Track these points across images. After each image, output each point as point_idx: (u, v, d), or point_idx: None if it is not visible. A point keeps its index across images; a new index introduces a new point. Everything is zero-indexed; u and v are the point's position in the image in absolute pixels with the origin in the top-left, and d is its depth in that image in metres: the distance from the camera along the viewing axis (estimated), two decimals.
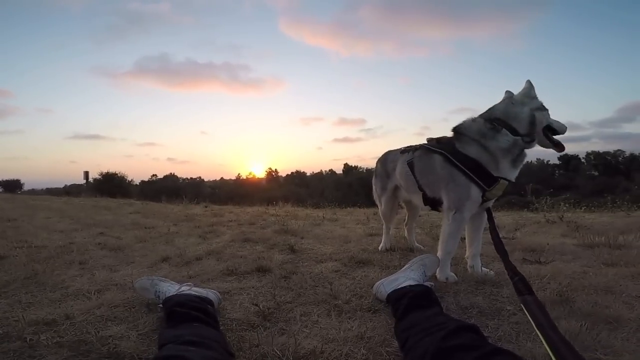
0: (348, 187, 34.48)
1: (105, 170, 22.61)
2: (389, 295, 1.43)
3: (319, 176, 56.28)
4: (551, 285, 1.60)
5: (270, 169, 57.93)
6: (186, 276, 1.92)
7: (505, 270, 1.28)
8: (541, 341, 0.85)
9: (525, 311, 0.99)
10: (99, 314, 1.42)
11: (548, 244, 2.41)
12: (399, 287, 1.42)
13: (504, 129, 1.63)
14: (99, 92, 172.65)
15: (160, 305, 1.39)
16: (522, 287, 1.10)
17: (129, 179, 24.75)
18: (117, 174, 23.04)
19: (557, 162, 53.67)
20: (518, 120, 1.63)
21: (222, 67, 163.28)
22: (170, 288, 1.49)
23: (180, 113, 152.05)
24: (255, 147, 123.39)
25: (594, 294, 1.48)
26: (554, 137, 1.66)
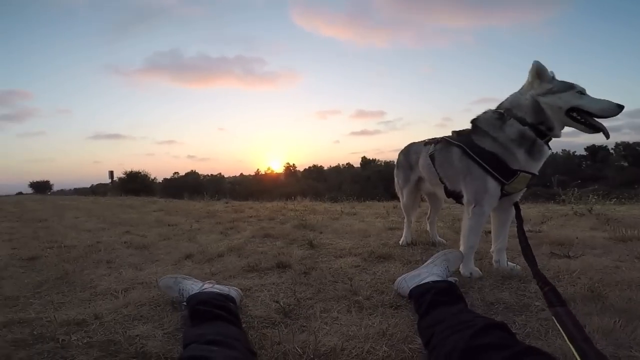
0: (366, 180, 34.25)
1: (129, 169, 23.31)
2: (411, 290, 1.41)
3: (336, 170, 56.09)
4: (581, 280, 1.54)
5: (288, 163, 58.09)
6: (208, 273, 1.96)
7: (535, 279, 1.22)
8: (573, 354, 0.81)
9: (557, 323, 0.95)
10: (126, 313, 1.46)
11: (577, 238, 2.32)
12: (422, 282, 1.40)
13: (512, 119, 1.57)
14: (113, 90, 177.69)
15: (184, 303, 1.42)
16: (554, 297, 1.04)
17: (152, 177, 25.43)
18: (140, 173, 23.69)
19: (584, 153, 51.58)
20: (523, 108, 1.56)
21: (235, 61, 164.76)
22: (194, 286, 1.51)
23: (197, 110, 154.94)
24: (273, 142, 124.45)
25: (627, 290, 1.41)
26: (596, 119, 1.46)
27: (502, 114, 1.61)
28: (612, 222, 2.90)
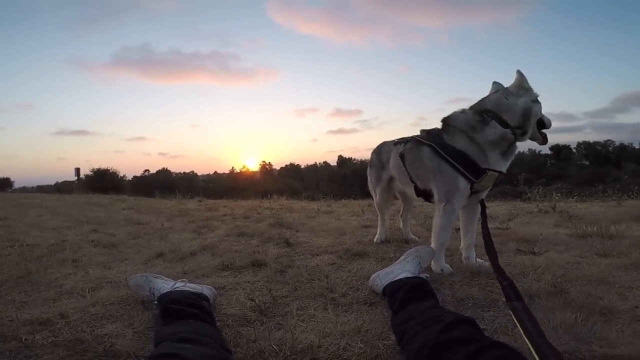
0: (343, 179, 34.53)
1: (96, 167, 22.38)
2: (385, 287, 1.43)
3: (313, 168, 56.26)
4: (545, 276, 1.61)
5: (264, 162, 57.71)
6: (181, 272, 1.91)
7: (494, 273, 1.27)
8: (529, 349, 0.85)
9: (514, 318, 0.99)
10: (94, 312, 1.41)
11: (541, 234, 2.43)
12: (395, 279, 1.42)
13: (493, 121, 1.62)
14: (79, 86, 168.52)
15: (155, 303, 1.38)
16: (511, 292, 1.09)
17: (121, 174, 24.54)
18: (109, 170, 22.82)
19: (549, 152, 54.23)
20: (510, 112, 1.62)
21: (210, 57, 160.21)
22: (165, 285, 1.47)
23: (168, 106, 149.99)
24: (249, 140, 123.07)
25: (587, 285, 1.49)
26: (543, 130, 1.69)
27: (483, 115, 1.65)
28: (574, 219, 3.06)
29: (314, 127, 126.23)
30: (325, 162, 58.71)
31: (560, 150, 53.65)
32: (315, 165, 58.98)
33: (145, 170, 47.88)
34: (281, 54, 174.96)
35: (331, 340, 1.16)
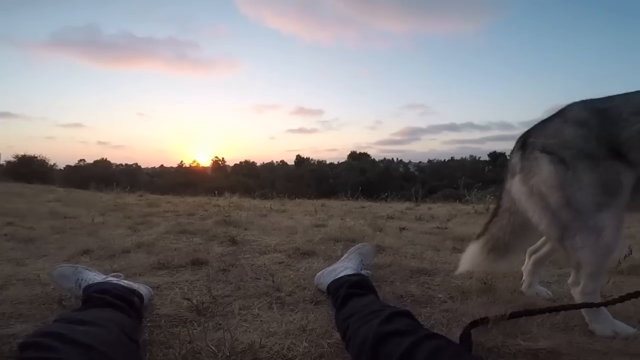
0: (299, 178, 34.47)
1: (21, 153, 20.03)
2: (328, 285, 1.43)
3: (269, 167, 55.36)
4: (477, 273, 1.71)
5: (216, 157, 55.32)
6: (109, 270, 1.74)
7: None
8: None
9: None
10: (0, 312, 1.26)
11: (475, 234, 2.58)
12: (337, 277, 1.44)
13: None
14: (4, 63, 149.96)
15: (80, 296, 1.25)
16: None
17: (51, 163, 22.25)
18: (36, 157, 20.56)
19: (487, 158, 58.72)
20: None
21: (165, 43, 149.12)
22: (96, 277, 1.35)
23: (113, 92, 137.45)
24: (202, 134, 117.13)
25: (512, 282, 1.61)
26: None
27: None
28: None
29: (273, 124, 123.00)
30: (282, 161, 58.06)
31: (497, 157, 58.37)
32: (271, 163, 58.11)
33: (81, 160, 43.79)
34: (245, 47, 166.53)
35: (275, 340, 1.13)
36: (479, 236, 1.44)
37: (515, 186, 1.27)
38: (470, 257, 1.41)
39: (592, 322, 1.18)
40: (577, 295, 1.20)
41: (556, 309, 1.03)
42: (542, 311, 1.03)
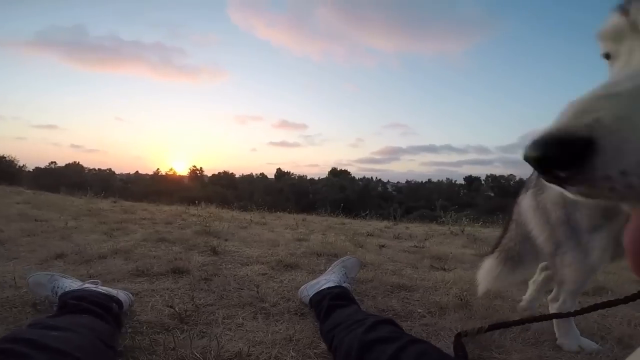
0: (279, 192, 34.25)
1: None
2: (311, 298, 1.45)
3: (248, 179, 54.78)
4: (454, 290, 1.78)
5: (194, 166, 54.31)
6: (86, 275, 1.70)
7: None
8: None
9: None
10: None
11: (451, 253, 2.68)
12: (319, 289, 1.46)
13: None
14: None
15: (56, 304, 1.21)
16: None
17: (20, 164, 21.24)
18: (4, 157, 19.60)
19: (463, 182, 60.49)
20: None
21: (151, 47, 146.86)
22: (72, 284, 1.31)
23: (91, 95, 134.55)
24: (180, 142, 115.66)
25: (487, 299, 1.68)
26: None
27: None
28: (478, 241, 3.45)
29: (255, 136, 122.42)
30: (262, 174, 57.58)
31: (472, 181, 60.21)
32: (250, 175, 57.55)
33: (52, 162, 41.98)
34: (233, 56, 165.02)
35: (262, 348, 1.13)
36: (492, 250, 1.46)
37: (525, 200, 1.33)
38: (487, 273, 1.41)
39: (561, 337, 1.25)
40: (554, 310, 1.28)
41: (529, 321, 1.09)
42: (516, 323, 1.09)
